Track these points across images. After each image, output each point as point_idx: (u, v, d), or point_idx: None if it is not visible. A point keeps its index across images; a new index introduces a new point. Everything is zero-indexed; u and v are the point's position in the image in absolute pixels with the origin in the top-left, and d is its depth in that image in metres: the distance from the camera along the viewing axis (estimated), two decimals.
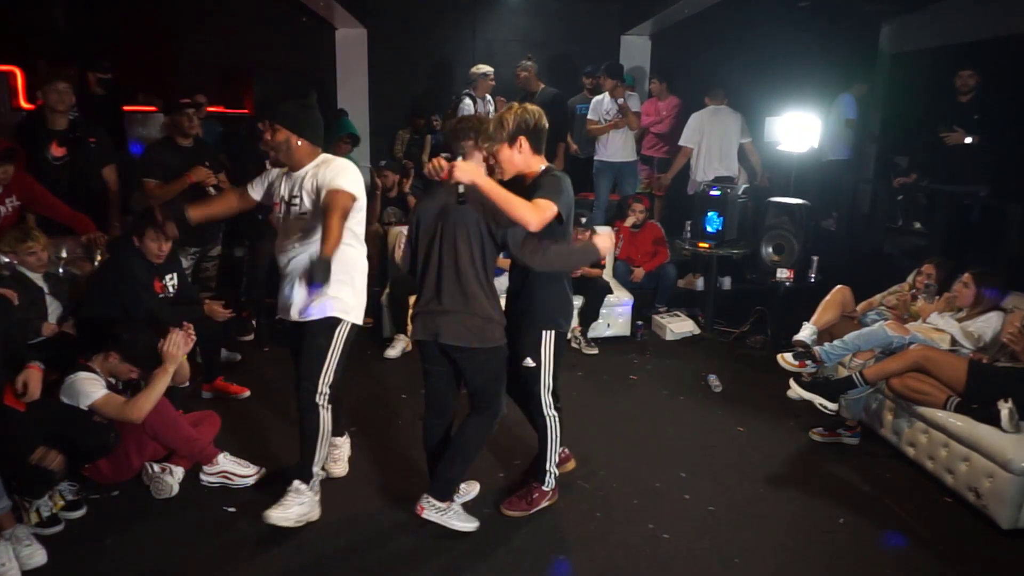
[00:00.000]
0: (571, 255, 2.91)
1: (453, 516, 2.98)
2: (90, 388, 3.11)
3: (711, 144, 6.70)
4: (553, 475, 3.16)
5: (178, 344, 3.28)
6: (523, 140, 2.78)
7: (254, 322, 5.06)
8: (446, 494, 2.97)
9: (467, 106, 6.34)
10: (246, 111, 7.68)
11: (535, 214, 2.57)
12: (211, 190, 4.38)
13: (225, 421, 3.67)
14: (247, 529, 3.02)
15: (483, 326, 2.78)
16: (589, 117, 6.62)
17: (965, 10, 6.86)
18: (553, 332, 2.96)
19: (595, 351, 5.27)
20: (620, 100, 6.36)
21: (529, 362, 2.97)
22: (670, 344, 5.55)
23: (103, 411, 3.09)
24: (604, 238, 2.88)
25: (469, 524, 3.01)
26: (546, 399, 3.05)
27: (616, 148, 6.56)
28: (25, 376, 2.97)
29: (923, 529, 3.17)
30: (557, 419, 3.10)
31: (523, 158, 2.81)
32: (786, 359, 4.03)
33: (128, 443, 3.19)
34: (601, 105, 6.53)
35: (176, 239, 3.73)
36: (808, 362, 3.99)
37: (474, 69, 6.54)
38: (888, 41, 8.19)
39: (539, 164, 2.86)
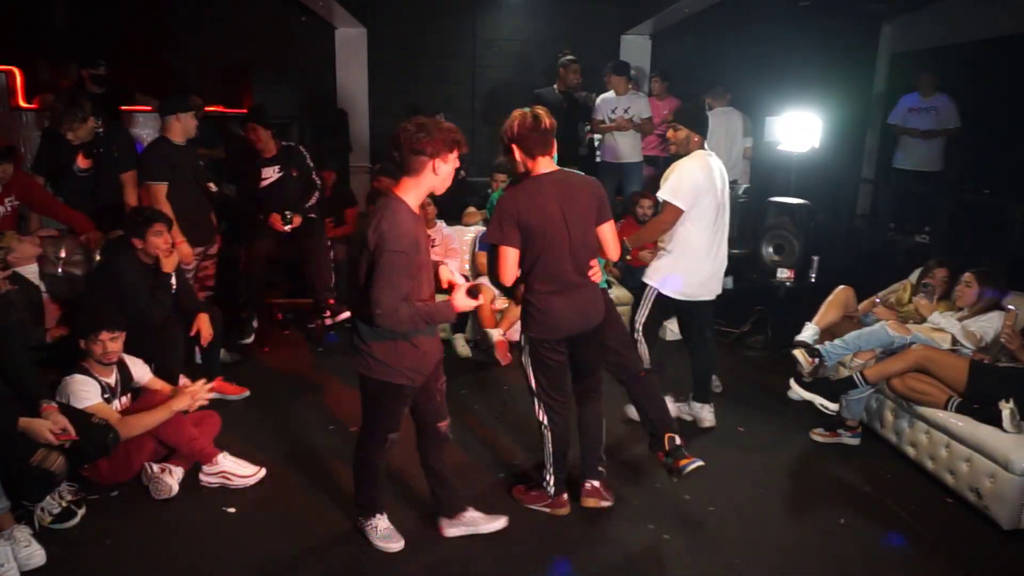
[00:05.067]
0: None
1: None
2: (82, 393, 3.11)
3: (716, 147, 6.70)
4: (548, 482, 3.14)
5: (196, 394, 3.33)
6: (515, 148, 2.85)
7: (255, 323, 5.04)
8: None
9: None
10: (244, 111, 7.65)
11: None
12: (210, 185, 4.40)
13: (225, 421, 3.66)
14: (247, 529, 3.02)
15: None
16: (595, 117, 6.59)
17: (965, 10, 6.86)
18: (532, 338, 2.98)
19: None
20: (633, 117, 6.35)
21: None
22: (670, 344, 5.53)
23: None
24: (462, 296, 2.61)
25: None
26: (537, 403, 3.05)
27: (626, 150, 6.50)
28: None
29: (924, 530, 3.16)
30: (550, 431, 3.05)
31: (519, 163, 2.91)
32: (803, 352, 3.94)
33: (127, 443, 3.17)
34: (607, 104, 6.50)
35: None
36: (817, 359, 3.95)
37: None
38: (888, 41, 8.19)
39: (537, 169, 2.88)
